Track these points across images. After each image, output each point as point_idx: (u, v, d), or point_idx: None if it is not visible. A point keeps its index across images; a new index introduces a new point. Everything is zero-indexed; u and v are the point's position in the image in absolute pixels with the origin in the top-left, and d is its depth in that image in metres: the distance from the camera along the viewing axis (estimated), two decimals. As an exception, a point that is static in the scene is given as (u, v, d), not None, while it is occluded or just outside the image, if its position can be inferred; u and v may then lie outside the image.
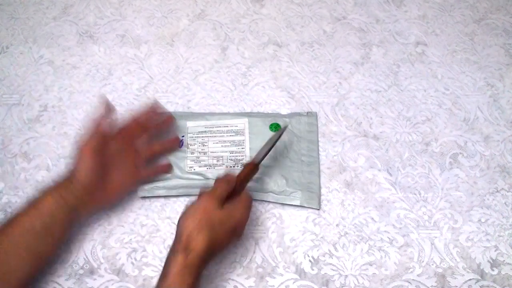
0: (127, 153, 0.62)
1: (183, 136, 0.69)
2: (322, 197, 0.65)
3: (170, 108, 0.73)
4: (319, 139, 0.70)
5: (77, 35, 0.81)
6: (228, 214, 0.53)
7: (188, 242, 0.50)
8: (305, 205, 0.64)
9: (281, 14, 0.84)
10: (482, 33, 0.83)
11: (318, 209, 0.64)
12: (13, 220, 0.53)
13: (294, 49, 0.80)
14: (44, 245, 0.54)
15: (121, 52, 0.79)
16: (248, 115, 0.71)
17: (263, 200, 0.64)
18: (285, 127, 0.65)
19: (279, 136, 0.63)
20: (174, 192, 0.65)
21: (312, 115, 0.71)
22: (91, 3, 0.85)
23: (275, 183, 0.64)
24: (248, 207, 0.56)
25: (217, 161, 0.66)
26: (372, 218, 0.64)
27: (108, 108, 0.61)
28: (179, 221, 0.53)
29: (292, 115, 0.71)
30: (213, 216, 0.52)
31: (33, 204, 0.54)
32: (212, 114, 0.71)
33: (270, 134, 0.68)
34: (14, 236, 0.52)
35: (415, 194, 0.66)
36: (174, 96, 0.74)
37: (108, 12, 0.84)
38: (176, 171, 0.66)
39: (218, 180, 0.56)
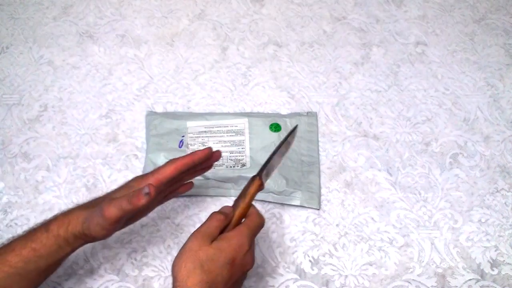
0: (155, 201, 0.55)
1: (183, 136, 0.68)
2: (322, 197, 0.65)
3: (170, 108, 0.73)
4: (319, 139, 0.70)
5: (77, 35, 0.81)
6: (219, 248, 0.46)
7: None
8: (305, 205, 0.64)
9: (281, 14, 0.84)
10: (482, 33, 0.83)
11: (318, 209, 0.64)
12: (15, 250, 0.48)
13: (294, 49, 0.80)
14: (33, 285, 0.50)
15: (121, 52, 0.79)
16: (248, 115, 0.71)
17: (263, 200, 0.64)
18: (294, 129, 0.57)
19: (286, 141, 0.55)
20: None
21: (312, 115, 0.72)
22: (91, 3, 0.85)
23: (275, 183, 0.64)
24: (249, 234, 0.48)
25: (217, 161, 0.66)
26: (372, 218, 0.64)
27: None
28: (172, 266, 0.46)
29: (292, 115, 0.71)
30: (200, 255, 0.45)
31: (32, 243, 0.48)
32: (212, 114, 0.71)
33: (270, 134, 0.68)
34: (15, 268, 0.47)
35: (415, 194, 0.66)
36: (174, 96, 0.74)
37: (108, 12, 0.84)
38: None
39: (211, 215, 0.49)
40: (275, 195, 0.64)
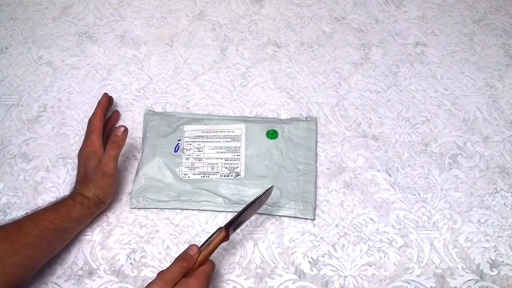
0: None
1: (179, 140, 0.68)
2: (321, 198, 0.65)
3: (169, 108, 0.73)
4: (318, 139, 0.70)
5: (76, 35, 0.81)
6: None
7: None
8: (299, 216, 0.63)
9: (281, 15, 0.84)
10: (481, 33, 0.83)
11: (313, 219, 0.64)
12: (40, 216, 0.55)
13: (294, 49, 0.80)
14: (61, 242, 0.58)
15: (120, 53, 0.79)
16: (246, 119, 0.70)
17: (258, 213, 0.63)
18: (269, 190, 0.59)
19: (260, 199, 0.58)
20: (164, 205, 0.64)
21: (311, 120, 0.71)
22: (90, 4, 0.85)
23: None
24: (206, 279, 0.52)
25: (212, 168, 0.66)
26: (372, 219, 0.64)
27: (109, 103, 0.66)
28: None
29: (290, 120, 0.71)
30: None
31: (65, 208, 0.57)
32: (210, 118, 0.71)
33: (267, 141, 0.68)
34: (40, 231, 0.54)
35: (414, 194, 0.66)
36: (173, 97, 0.74)
37: (108, 12, 0.84)
38: (170, 177, 0.66)
39: (176, 260, 0.52)
40: (269, 207, 0.64)
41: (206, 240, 0.55)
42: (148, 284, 0.50)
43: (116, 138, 0.59)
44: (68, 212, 0.57)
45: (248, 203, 0.58)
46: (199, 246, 0.54)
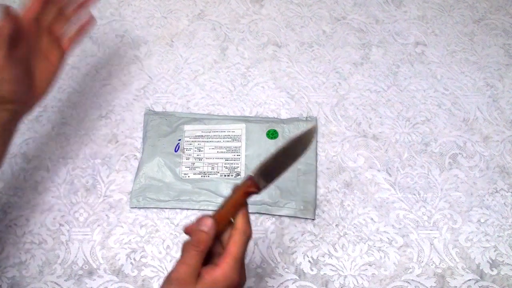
0: (40, 37, 0.55)
1: (179, 140, 0.68)
2: (321, 197, 0.65)
3: (169, 108, 0.73)
4: (318, 139, 0.70)
5: (77, 35, 0.81)
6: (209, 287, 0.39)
7: None
8: (299, 216, 0.63)
9: (281, 15, 0.84)
10: (481, 33, 0.83)
11: (313, 219, 0.64)
12: None
13: (294, 49, 0.80)
14: None
15: (121, 53, 0.79)
16: (246, 119, 0.70)
17: (257, 212, 0.64)
18: (312, 131, 0.43)
19: (300, 144, 0.43)
20: (164, 205, 0.64)
21: (311, 120, 0.71)
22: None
23: (268, 194, 0.64)
24: (236, 263, 0.40)
25: (212, 168, 0.66)
26: (372, 219, 0.64)
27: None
28: None
29: (290, 120, 0.71)
30: None
31: None
32: (211, 118, 0.71)
33: (267, 141, 0.68)
34: None
35: (414, 194, 0.66)
36: (173, 97, 0.74)
37: (108, 12, 0.84)
38: (170, 176, 0.66)
39: (187, 244, 0.40)
40: (269, 206, 0.64)
41: (226, 199, 0.42)
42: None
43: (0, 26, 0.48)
44: None
45: (284, 143, 0.42)
46: (212, 214, 0.42)
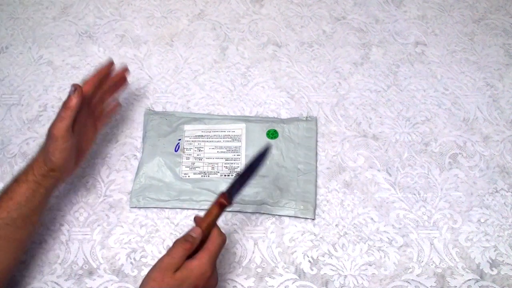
0: (87, 116, 0.61)
1: (179, 140, 0.68)
2: (321, 197, 0.65)
3: (169, 108, 0.73)
4: (318, 139, 0.70)
5: (77, 35, 0.81)
6: (181, 278, 0.47)
7: None
8: (299, 216, 0.63)
9: (281, 14, 0.84)
10: (481, 33, 0.83)
11: (313, 219, 0.64)
12: None
13: (294, 49, 0.80)
14: (25, 233, 0.54)
15: (121, 52, 0.79)
16: (247, 119, 0.70)
17: (257, 212, 0.64)
18: (267, 150, 0.54)
19: (260, 161, 0.54)
20: (164, 205, 0.64)
21: (311, 119, 0.71)
22: (90, 3, 0.85)
23: (269, 194, 0.64)
24: (211, 259, 0.49)
25: (212, 168, 0.66)
26: (372, 218, 0.64)
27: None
28: None
29: (290, 120, 0.71)
30: (163, 286, 0.46)
31: (8, 195, 0.53)
32: (211, 117, 0.71)
33: (267, 141, 0.68)
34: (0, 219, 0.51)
35: (414, 194, 0.66)
36: (173, 96, 0.74)
37: (108, 12, 0.84)
38: (170, 176, 0.66)
39: (176, 242, 0.49)
40: (269, 207, 0.64)
41: (207, 211, 0.52)
42: (146, 274, 0.48)
43: (68, 99, 0.55)
44: (12, 198, 0.52)
45: (247, 164, 0.54)
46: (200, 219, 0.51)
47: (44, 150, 0.55)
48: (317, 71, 0.77)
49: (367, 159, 0.69)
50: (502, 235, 0.63)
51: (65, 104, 0.55)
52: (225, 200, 0.51)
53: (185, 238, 0.49)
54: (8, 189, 0.54)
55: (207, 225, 0.50)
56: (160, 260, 0.48)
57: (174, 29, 0.82)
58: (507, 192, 0.66)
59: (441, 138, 0.71)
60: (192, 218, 0.63)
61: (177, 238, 0.61)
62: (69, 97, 0.55)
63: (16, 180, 0.54)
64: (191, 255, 0.49)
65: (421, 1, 0.87)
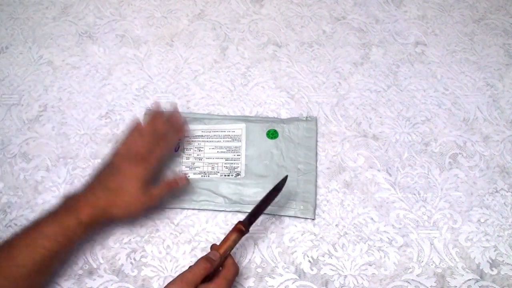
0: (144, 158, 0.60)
1: (179, 140, 0.68)
2: (322, 197, 0.65)
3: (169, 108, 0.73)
4: (319, 139, 0.70)
5: (77, 35, 0.81)
6: None
7: None
8: (300, 216, 0.63)
9: (281, 14, 0.84)
10: (481, 33, 0.83)
11: (313, 219, 0.64)
12: (15, 245, 0.51)
13: (294, 49, 0.80)
14: (42, 277, 0.54)
15: (121, 52, 0.79)
16: (247, 119, 0.70)
17: None
18: (284, 181, 0.58)
19: (278, 191, 0.58)
20: (164, 205, 0.64)
21: (311, 119, 0.71)
22: (90, 3, 0.85)
23: None
24: (227, 286, 0.51)
25: (212, 168, 0.66)
26: (372, 218, 0.64)
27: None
28: None
29: (290, 120, 0.71)
30: None
31: (38, 239, 0.52)
32: (211, 117, 0.71)
33: (267, 141, 0.68)
34: (15, 267, 0.50)
35: (414, 194, 0.66)
36: (173, 96, 0.74)
37: (108, 12, 0.84)
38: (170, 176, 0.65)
39: (199, 261, 0.52)
40: (269, 206, 0.63)
41: (224, 239, 0.54)
42: (168, 284, 0.49)
43: (176, 185, 0.60)
44: (66, 236, 0.53)
45: (264, 195, 0.57)
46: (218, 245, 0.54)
47: (111, 200, 0.57)
48: (317, 71, 0.77)
49: (367, 159, 0.69)
50: (502, 235, 0.63)
51: (172, 187, 0.60)
52: (243, 227, 0.54)
53: (207, 258, 0.52)
54: (64, 223, 0.53)
55: (224, 251, 0.53)
56: (182, 275, 0.50)
57: (174, 29, 0.82)
58: (507, 192, 0.66)
59: (441, 138, 0.71)
60: (192, 219, 0.64)
61: (177, 238, 0.62)
62: (182, 178, 0.61)
63: (77, 218, 0.54)
64: (204, 279, 0.51)
65: (421, 1, 0.87)
